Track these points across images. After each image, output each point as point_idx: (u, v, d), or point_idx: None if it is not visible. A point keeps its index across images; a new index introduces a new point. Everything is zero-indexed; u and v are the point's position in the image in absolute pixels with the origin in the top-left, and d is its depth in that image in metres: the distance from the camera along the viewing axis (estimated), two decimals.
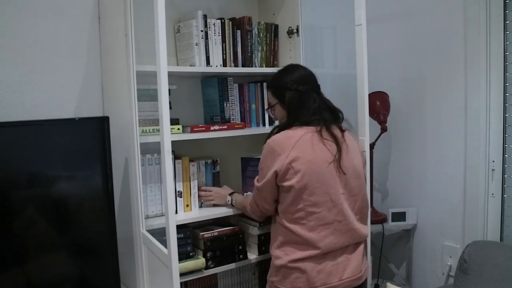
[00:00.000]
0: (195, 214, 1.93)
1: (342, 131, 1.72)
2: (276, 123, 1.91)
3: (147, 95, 1.83)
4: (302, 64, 2.13)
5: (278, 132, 1.69)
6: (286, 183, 1.59)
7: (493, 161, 2.17)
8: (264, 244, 2.01)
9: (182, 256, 1.83)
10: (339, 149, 1.63)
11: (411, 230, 2.53)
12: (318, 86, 1.75)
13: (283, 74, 1.76)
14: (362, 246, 1.72)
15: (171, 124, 1.57)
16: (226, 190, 2.01)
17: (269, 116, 2.02)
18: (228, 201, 1.94)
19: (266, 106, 2.12)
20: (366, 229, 1.74)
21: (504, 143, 2.16)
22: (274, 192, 1.66)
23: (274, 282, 1.65)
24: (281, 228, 1.65)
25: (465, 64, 2.22)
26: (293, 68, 1.79)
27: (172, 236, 1.47)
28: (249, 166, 2.10)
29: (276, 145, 1.62)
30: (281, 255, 1.63)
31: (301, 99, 1.69)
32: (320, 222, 1.60)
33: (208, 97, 2.16)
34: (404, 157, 2.59)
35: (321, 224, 1.60)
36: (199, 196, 2.00)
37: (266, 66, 2.20)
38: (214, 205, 2.00)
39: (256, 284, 2.22)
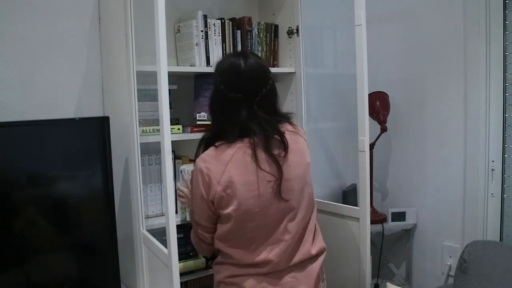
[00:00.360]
0: None
1: (282, 135, 1.42)
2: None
3: (147, 95, 1.83)
4: (300, 63, 2.13)
5: (205, 146, 1.48)
6: (223, 211, 1.40)
7: (493, 161, 2.17)
8: None
9: (182, 256, 1.83)
10: (280, 173, 1.39)
11: (410, 230, 2.53)
12: (253, 94, 1.39)
13: (223, 60, 1.47)
14: (315, 266, 1.50)
15: (171, 124, 1.57)
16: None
17: None
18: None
19: None
20: (315, 247, 1.51)
21: (504, 143, 2.17)
22: (213, 219, 1.46)
23: None
24: (220, 251, 1.50)
25: (465, 64, 2.23)
26: (236, 58, 1.43)
27: (172, 236, 1.47)
28: (204, 83, 1.98)
29: (206, 168, 1.39)
30: (221, 269, 1.49)
31: (224, 107, 1.42)
32: (263, 243, 1.43)
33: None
34: (404, 157, 2.59)
35: (265, 246, 1.43)
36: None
37: None
38: None
39: None
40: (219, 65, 1.48)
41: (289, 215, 1.45)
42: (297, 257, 1.47)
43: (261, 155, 1.39)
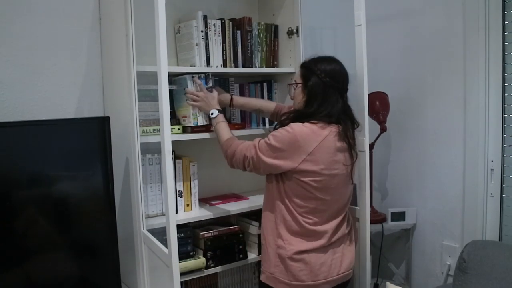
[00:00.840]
0: (195, 213, 1.94)
1: (355, 128, 1.74)
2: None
3: (148, 95, 1.83)
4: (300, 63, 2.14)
5: (295, 117, 1.66)
6: (302, 179, 1.59)
7: (492, 161, 2.17)
8: None
9: (183, 256, 1.83)
10: (353, 159, 1.67)
11: (410, 229, 2.53)
12: (346, 89, 1.71)
13: (320, 61, 1.70)
14: (354, 242, 1.77)
15: (171, 124, 1.57)
16: (214, 100, 1.87)
17: (288, 92, 1.87)
18: (211, 114, 1.83)
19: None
20: (348, 225, 1.77)
21: (503, 143, 2.17)
22: (273, 172, 1.65)
23: (274, 274, 1.63)
24: (286, 215, 1.63)
25: (464, 64, 2.23)
26: (332, 61, 1.72)
27: (173, 236, 1.47)
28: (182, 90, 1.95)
29: (302, 138, 1.58)
30: (285, 244, 1.62)
31: (324, 92, 1.64)
32: (328, 216, 1.65)
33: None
34: (403, 157, 2.59)
35: (329, 219, 1.65)
36: (185, 94, 1.89)
37: (266, 67, 2.21)
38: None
39: (256, 284, 2.22)
40: (318, 64, 1.68)
41: (349, 195, 1.72)
42: (340, 233, 1.68)
43: (345, 142, 1.64)
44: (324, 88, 1.65)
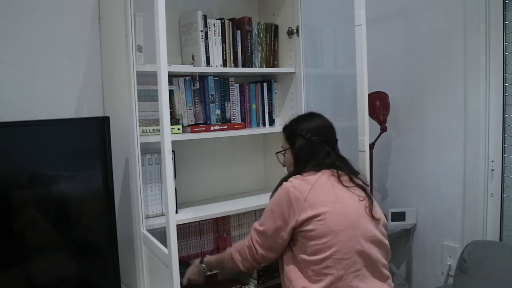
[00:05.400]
0: (195, 214, 1.94)
1: (358, 174, 1.65)
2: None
3: (148, 95, 1.83)
4: (300, 63, 2.16)
5: (286, 179, 1.60)
6: (305, 228, 1.49)
7: (493, 161, 2.17)
8: None
9: None
10: (368, 195, 1.57)
11: (410, 230, 2.53)
12: (335, 141, 1.69)
13: (300, 121, 1.70)
14: None
15: (171, 124, 1.57)
16: (195, 263, 1.80)
17: (278, 160, 1.82)
18: (203, 269, 1.75)
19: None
20: None
21: (503, 143, 2.17)
22: (280, 241, 1.55)
23: None
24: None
25: (465, 64, 2.23)
26: (314, 117, 1.72)
27: (172, 236, 1.47)
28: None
29: (294, 189, 1.53)
30: None
31: (312, 151, 1.63)
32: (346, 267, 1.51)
33: None
34: (403, 157, 2.59)
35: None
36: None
37: (266, 66, 2.21)
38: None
39: (256, 284, 2.22)
40: (299, 124, 1.68)
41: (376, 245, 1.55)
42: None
43: (347, 185, 1.57)
44: (311, 147, 1.63)
